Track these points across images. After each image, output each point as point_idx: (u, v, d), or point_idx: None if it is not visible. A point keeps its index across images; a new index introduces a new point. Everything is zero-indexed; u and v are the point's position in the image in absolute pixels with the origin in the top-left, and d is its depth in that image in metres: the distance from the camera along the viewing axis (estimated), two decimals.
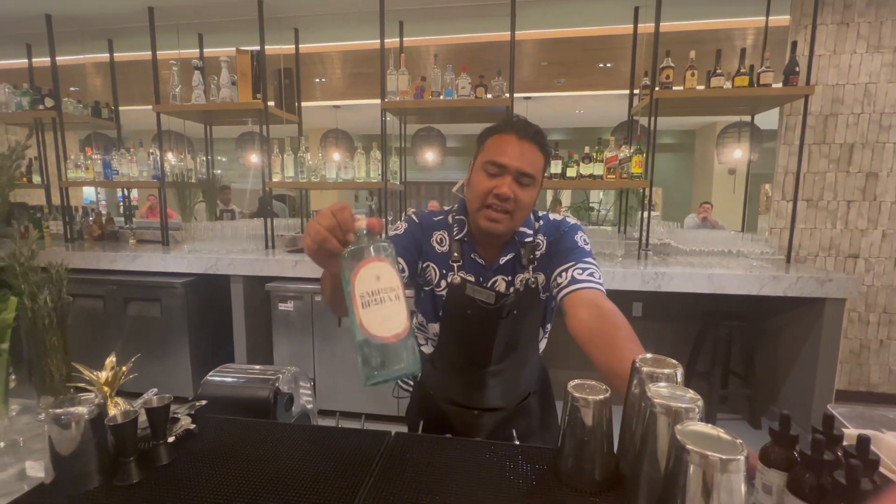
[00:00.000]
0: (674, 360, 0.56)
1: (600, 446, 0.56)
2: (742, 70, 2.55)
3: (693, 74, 2.59)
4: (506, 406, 1.08)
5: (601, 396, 0.56)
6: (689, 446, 0.38)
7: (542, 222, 1.01)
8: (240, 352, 2.74)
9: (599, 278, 0.89)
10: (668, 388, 0.49)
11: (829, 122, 2.74)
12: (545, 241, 0.98)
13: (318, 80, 4.87)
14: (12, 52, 3.86)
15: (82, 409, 0.55)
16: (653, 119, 2.64)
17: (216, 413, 1.16)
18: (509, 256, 0.97)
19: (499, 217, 0.88)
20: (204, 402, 0.77)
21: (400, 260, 0.93)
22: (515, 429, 1.09)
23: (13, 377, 0.74)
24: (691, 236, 2.88)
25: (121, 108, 3.73)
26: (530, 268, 0.96)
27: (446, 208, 1.05)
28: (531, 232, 0.98)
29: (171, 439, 0.63)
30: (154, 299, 2.78)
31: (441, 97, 2.78)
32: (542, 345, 1.09)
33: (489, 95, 2.78)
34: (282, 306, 2.63)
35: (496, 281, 0.97)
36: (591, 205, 8.26)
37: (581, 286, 0.86)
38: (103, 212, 3.90)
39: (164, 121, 3.11)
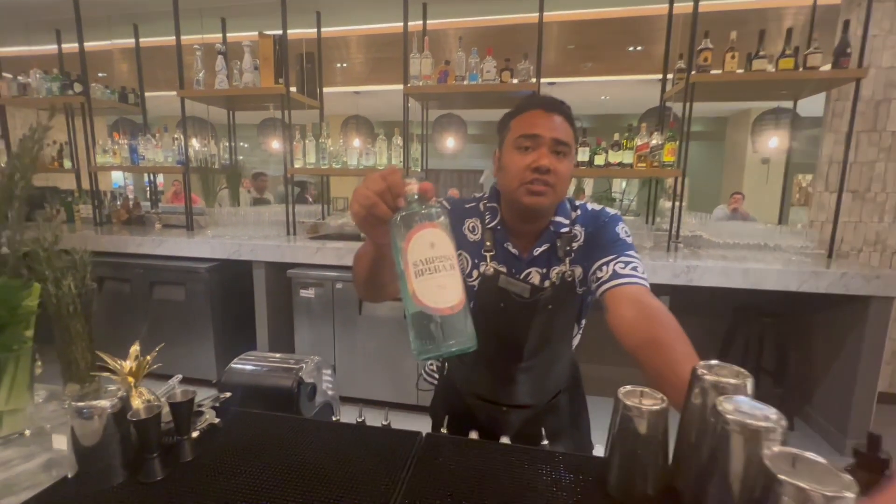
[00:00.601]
0: (741, 369, 0.50)
1: (654, 460, 0.51)
2: (787, 52, 2.39)
3: (733, 57, 2.44)
4: (535, 404, 1.04)
5: (657, 406, 0.51)
6: (783, 477, 0.32)
7: (579, 212, 0.94)
8: (262, 337, 2.76)
9: (643, 273, 0.83)
10: (743, 402, 0.43)
11: (882, 108, 2.56)
12: (583, 233, 0.92)
13: (339, 65, 4.82)
14: (43, 39, 3.92)
15: (105, 403, 0.53)
16: (688, 105, 2.51)
17: (239, 402, 1.15)
18: (544, 248, 0.91)
19: (542, 189, 0.83)
20: (228, 395, 0.74)
21: None
22: (544, 427, 1.04)
23: (39, 363, 0.73)
24: (725, 228, 2.76)
25: (147, 93, 3.76)
26: (567, 260, 0.91)
27: (477, 195, 1.00)
28: (567, 222, 0.92)
29: (194, 434, 0.61)
30: (179, 283, 2.82)
31: (465, 82, 2.70)
32: (576, 341, 1.03)
33: (515, 80, 2.68)
34: (303, 293, 2.63)
35: (530, 273, 0.92)
36: (613, 195, 8.06)
37: (624, 281, 0.80)
38: (130, 196, 3.97)
39: (188, 107, 3.12)
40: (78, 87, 3.35)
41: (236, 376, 1.17)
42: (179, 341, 2.84)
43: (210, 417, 0.65)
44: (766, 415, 0.41)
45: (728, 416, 0.41)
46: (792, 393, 2.51)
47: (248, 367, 1.19)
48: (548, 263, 0.92)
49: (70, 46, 3.50)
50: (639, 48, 4.28)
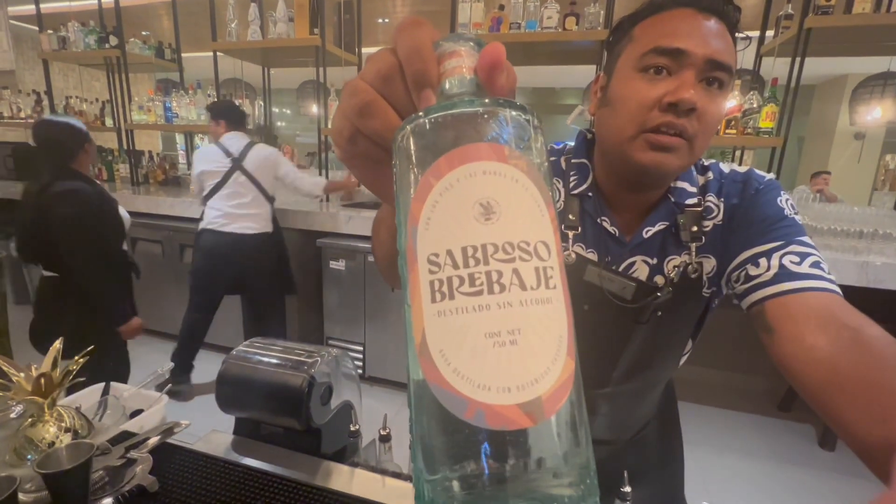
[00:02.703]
0: None
1: None
2: None
3: None
4: (616, 439, 0.76)
5: None
6: None
7: (711, 174, 0.63)
8: (290, 309, 2.61)
9: (830, 273, 0.52)
10: None
11: None
12: (722, 206, 0.61)
13: (380, 20, 4.48)
14: None
15: None
16: (798, 60, 2.03)
17: (237, 401, 0.95)
18: (659, 227, 0.61)
19: (673, 142, 0.51)
20: (185, 426, 0.51)
21: None
22: (627, 469, 0.77)
23: None
24: (827, 212, 2.29)
25: (186, 54, 3.63)
26: (693, 246, 0.60)
27: (557, 145, 0.70)
28: (694, 190, 0.62)
29: None
30: None
31: (521, 29, 2.32)
32: (684, 360, 0.73)
33: (580, 28, 2.28)
34: (333, 264, 2.43)
35: (633, 263, 0.62)
36: None
37: (804, 285, 0.49)
38: (179, 160, 3.91)
39: (226, 67, 2.94)
40: (114, 41, 3.24)
41: (236, 367, 0.96)
42: None
43: (141, 476, 0.41)
44: None
45: None
46: None
47: (252, 358, 0.99)
48: (662, 251, 0.62)
49: (110, 1, 3.38)
50: None
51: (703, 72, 0.50)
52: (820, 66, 5.04)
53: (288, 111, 9.12)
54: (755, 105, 2.13)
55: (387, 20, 4.48)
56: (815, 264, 0.52)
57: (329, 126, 2.72)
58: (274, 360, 0.96)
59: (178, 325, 2.28)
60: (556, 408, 0.19)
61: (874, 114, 4.22)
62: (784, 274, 0.51)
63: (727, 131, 2.18)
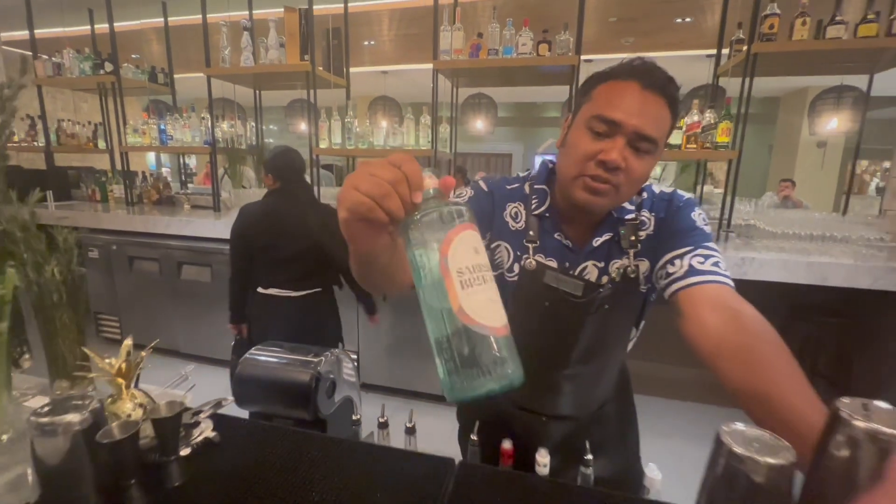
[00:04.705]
0: None
1: None
2: (869, 16, 2.10)
3: (804, 23, 2.16)
4: (579, 415, 0.91)
5: (781, 461, 0.37)
6: None
7: (645, 195, 0.79)
8: None
9: (726, 270, 0.68)
10: None
11: None
12: (653, 220, 0.77)
13: (367, 42, 4.67)
14: (77, 19, 3.94)
15: (73, 418, 0.43)
16: (747, 80, 2.25)
17: (253, 396, 1.08)
18: (605, 238, 0.77)
19: (601, 188, 0.67)
20: (230, 401, 0.65)
21: None
22: (589, 440, 0.92)
23: (27, 356, 0.65)
24: (782, 217, 2.51)
25: (177, 75, 3.74)
26: (631, 252, 0.76)
27: (522, 174, 0.86)
28: (633, 208, 0.78)
29: (185, 452, 0.51)
30: (205, 264, 2.81)
31: (499, 55, 2.51)
32: (632, 345, 0.89)
33: (552, 54, 2.48)
34: None
35: (586, 267, 0.78)
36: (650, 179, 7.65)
37: (704, 279, 0.65)
38: (168, 178, 4.00)
39: (216, 88, 3.07)
40: (109, 67, 3.35)
41: (251, 367, 1.09)
42: (205, 321, 2.84)
43: (206, 430, 0.55)
44: None
45: None
46: None
47: (264, 359, 1.11)
48: (608, 256, 0.78)
49: (102, 27, 3.49)
50: (687, 19, 3.94)
51: (631, 140, 0.66)
52: (784, 79, 5.38)
53: (275, 128, 9.24)
54: (712, 121, 2.34)
55: (373, 42, 4.67)
56: (716, 263, 0.68)
57: (319, 145, 2.87)
58: (283, 361, 1.09)
59: (175, 340, 2.36)
60: (509, 331, 0.41)
61: (831, 124, 4.53)
62: (692, 271, 0.67)
63: (689, 146, 2.38)
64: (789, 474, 0.37)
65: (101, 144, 3.87)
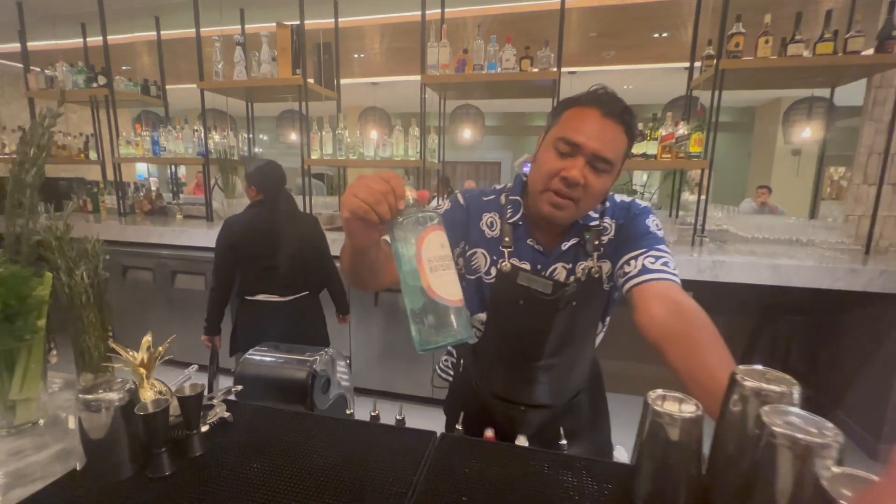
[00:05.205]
0: (787, 376, 0.46)
1: (686, 471, 0.47)
2: (826, 35, 2.26)
3: (767, 42, 2.32)
4: (554, 404, 1.00)
5: (692, 414, 0.47)
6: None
7: (608, 203, 0.90)
8: None
9: (675, 269, 0.78)
10: (791, 413, 0.39)
11: None
12: (613, 226, 0.87)
13: (356, 55, 4.79)
14: (69, 32, 4.00)
15: (113, 396, 0.51)
16: (716, 93, 2.40)
17: (253, 393, 1.15)
18: (572, 242, 0.87)
19: (562, 203, 0.78)
20: (240, 388, 0.73)
21: None
22: (563, 427, 1.01)
23: (54, 352, 0.73)
24: (753, 222, 2.65)
25: (169, 86, 3.81)
26: (595, 255, 0.86)
27: (498, 187, 0.96)
28: (596, 215, 0.88)
29: (204, 428, 0.59)
30: (199, 273, 2.86)
31: (484, 70, 2.63)
32: (599, 339, 0.99)
33: (535, 69, 2.61)
34: None
35: (555, 269, 0.88)
36: (634, 187, 7.86)
37: (653, 276, 0.76)
38: (153, 188, 4.05)
39: (208, 99, 3.14)
40: (102, 80, 3.41)
41: (251, 367, 1.17)
42: (199, 330, 2.88)
43: (221, 412, 0.64)
44: (820, 429, 0.36)
45: (776, 430, 0.37)
46: (821, 396, 2.41)
47: (263, 359, 1.19)
48: (575, 259, 0.88)
49: (95, 40, 3.56)
50: (664, 35, 4.12)
51: (591, 160, 0.76)
52: (758, 90, 5.63)
53: (265, 137, 9.30)
54: (686, 133, 2.48)
55: (363, 55, 4.79)
56: (665, 263, 0.78)
57: (311, 156, 2.95)
58: (281, 360, 1.17)
59: (169, 349, 2.41)
60: (463, 303, 0.54)
61: (804, 133, 4.74)
62: (644, 270, 0.77)
63: (664, 156, 2.52)
64: (699, 424, 0.47)
65: (93, 155, 3.92)
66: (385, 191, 0.56)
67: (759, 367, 0.48)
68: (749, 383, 0.45)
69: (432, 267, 0.54)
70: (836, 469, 0.32)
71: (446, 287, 0.54)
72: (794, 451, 0.36)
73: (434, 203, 2.96)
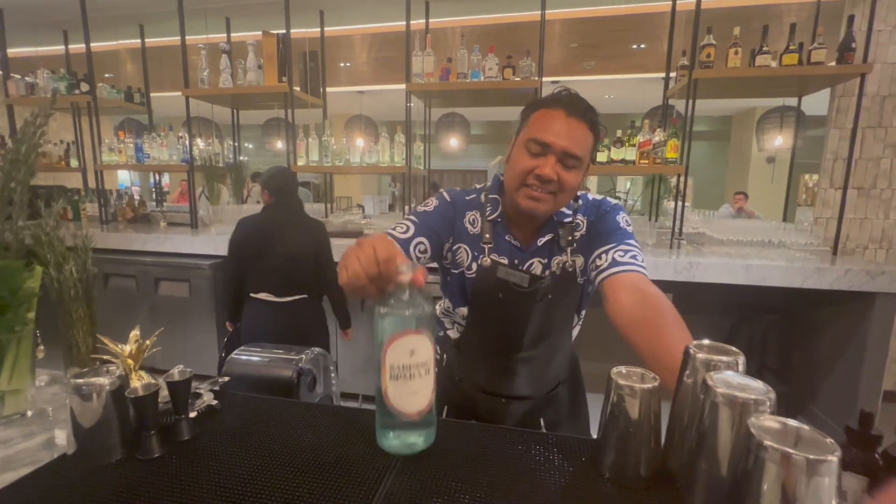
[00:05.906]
0: (734, 348, 0.50)
1: (647, 440, 0.51)
2: (791, 47, 2.38)
3: (736, 53, 2.43)
4: (534, 395, 1.04)
5: (649, 385, 0.51)
6: (768, 443, 0.32)
7: (580, 202, 0.95)
8: None
9: (642, 261, 0.83)
10: (732, 377, 0.43)
11: (887, 104, 2.54)
12: (585, 222, 0.92)
13: (342, 64, 4.84)
14: (51, 39, 3.97)
15: (104, 381, 0.53)
16: (690, 102, 2.50)
17: (240, 390, 1.16)
18: (547, 238, 0.92)
19: (541, 196, 0.82)
20: (227, 379, 0.75)
21: (423, 240, 0.89)
22: (543, 418, 1.05)
23: (41, 348, 0.74)
24: (727, 226, 2.75)
25: (152, 94, 3.80)
26: (568, 250, 0.91)
27: (479, 186, 1.00)
28: (570, 212, 0.93)
29: (193, 414, 0.61)
30: (183, 280, 2.84)
31: (467, 79, 2.70)
32: (576, 332, 1.03)
33: (517, 77, 2.68)
34: None
35: (532, 264, 0.92)
36: (617, 194, 8.03)
37: (622, 269, 0.80)
38: (136, 196, 4.01)
39: (193, 107, 3.15)
40: (84, 87, 3.39)
41: (238, 366, 1.18)
42: (183, 336, 2.86)
43: (208, 399, 0.66)
44: (755, 387, 0.41)
45: (717, 390, 0.41)
46: (796, 391, 2.49)
47: (250, 358, 1.20)
48: (550, 254, 0.92)
49: (77, 47, 3.54)
50: (642, 46, 4.27)
51: (560, 158, 0.81)
52: (734, 99, 5.82)
53: (250, 145, 9.27)
54: (662, 139, 2.57)
55: (349, 64, 4.84)
56: (633, 256, 0.83)
57: (297, 163, 2.97)
58: (268, 358, 1.18)
59: (153, 356, 2.39)
60: (424, 414, 0.58)
61: (777, 141, 4.92)
62: (614, 263, 0.82)
63: (642, 161, 2.60)
64: (657, 395, 0.51)
65: (74, 163, 3.87)
66: (374, 275, 0.54)
67: (708, 342, 0.52)
68: (700, 355, 0.49)
69: (393, 374, 0.53)
70: (762, 417, 0.36)
71: (404, 399, 0.54)
72: (732, 408, 0.40)
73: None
